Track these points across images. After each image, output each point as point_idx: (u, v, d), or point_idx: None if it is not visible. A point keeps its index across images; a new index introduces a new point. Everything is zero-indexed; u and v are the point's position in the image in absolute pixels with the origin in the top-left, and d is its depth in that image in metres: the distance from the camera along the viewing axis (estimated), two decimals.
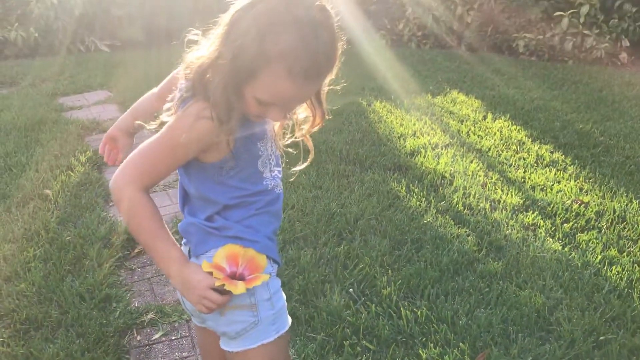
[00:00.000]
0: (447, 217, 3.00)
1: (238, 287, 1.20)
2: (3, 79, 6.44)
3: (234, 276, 1.23)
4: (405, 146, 4.04)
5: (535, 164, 3.76)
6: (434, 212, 3.06)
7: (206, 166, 1.23)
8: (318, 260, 2.59)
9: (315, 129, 1.34)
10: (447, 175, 3.54)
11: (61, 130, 4.45)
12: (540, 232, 2.87)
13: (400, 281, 2.43)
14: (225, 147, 1.17)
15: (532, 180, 3.49)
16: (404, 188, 3.34)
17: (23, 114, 4.88)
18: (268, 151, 1.29)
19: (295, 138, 1.36)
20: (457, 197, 3.22)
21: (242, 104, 1.14)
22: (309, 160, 1.40)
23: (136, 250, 2.77)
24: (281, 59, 1.06)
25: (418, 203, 3.15)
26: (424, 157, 3.83)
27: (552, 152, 3.95)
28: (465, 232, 2.86)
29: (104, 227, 2.89)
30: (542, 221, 2.98)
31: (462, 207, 3.11)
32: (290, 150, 1.39)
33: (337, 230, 2.86)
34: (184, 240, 1.36)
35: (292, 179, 1.40)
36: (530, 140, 4.21)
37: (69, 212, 3.09)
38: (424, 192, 3.29)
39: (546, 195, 3.28)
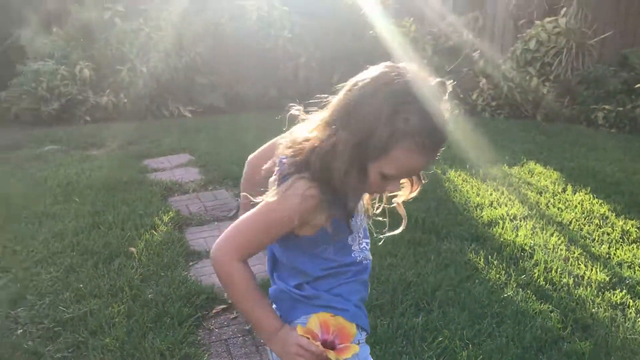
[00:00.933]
0: (529, 291, 2.91)
1: (331, 355, 1.22)
2: (93, 141, 6.84)
3: (325, 343, 1.26)
4: (482, 216, 3.98)
5: (621, 240, 3.61)
6: (515, 285, 2.97)
7: (299, 239, 1.28)
8: (395, 330, 2.55)
9: (413, 195, 1.37)
10: (527, 247, 3.44)
11: (145, 190, 4.66)
12: (630, 313, 2.72)
13: (481, 356, 2.35)
14: (321, 224, 1.23)
15: (618, 257, 3.34)
16: (482, 259, 3.27)
17: (111, 174, 5.15)
18: (357, 225, 1.34)
19: (389, 205, 1.40)
20: (539, 271, 3.12)
21: (367, 183, 1.19)
22: (402, 226, 1.42)
23: (214, 311, 2.81)
24: (413, 136, 1.13)
25: (497, 276, 3.07)
26: (502, 228, 3.75)
27: (639, 228, 3.79)
28: (548, 308, 2.75)
29: (184, 286, 2.97)
30: (631, 300, 2.83)
31: (544, 282, 3.01)
32: (379, 218, 1.42)
33: (414, 300, 2.82)
34: (275, 306, 1.39)
35: (380, 244, 1.43)
36: (614, 214, 4.05)
37: (151, 270, 3.19)
38: (504, 265, 3.21)
39: (634, 273, 3.13)
